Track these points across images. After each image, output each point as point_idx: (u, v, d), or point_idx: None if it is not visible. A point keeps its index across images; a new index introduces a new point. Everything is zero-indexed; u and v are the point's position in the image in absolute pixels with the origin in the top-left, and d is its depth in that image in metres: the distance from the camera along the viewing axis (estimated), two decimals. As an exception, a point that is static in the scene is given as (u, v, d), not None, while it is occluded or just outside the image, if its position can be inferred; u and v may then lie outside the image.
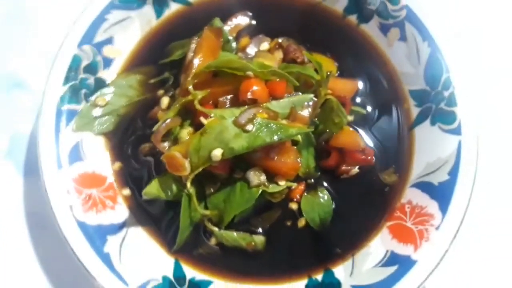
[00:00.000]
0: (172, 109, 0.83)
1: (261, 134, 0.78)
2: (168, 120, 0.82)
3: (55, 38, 0.94)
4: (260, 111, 0.80)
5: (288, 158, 0.83)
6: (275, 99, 0.84)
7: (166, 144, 0.84)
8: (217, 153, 0.78)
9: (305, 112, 0.86)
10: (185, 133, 0.82)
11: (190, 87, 0.82)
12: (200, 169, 0.79)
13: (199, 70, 0.82)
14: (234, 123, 0.78)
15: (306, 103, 0.86)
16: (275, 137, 0.78)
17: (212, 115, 0.81)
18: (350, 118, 0.93)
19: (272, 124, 0.79)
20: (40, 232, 0.95)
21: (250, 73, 0.81)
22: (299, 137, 0.86)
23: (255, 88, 0.81)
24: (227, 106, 0.83)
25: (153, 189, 0.82)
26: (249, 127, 0.78)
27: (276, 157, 0.82)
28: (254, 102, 0.82)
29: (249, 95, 0.80)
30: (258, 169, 0.83)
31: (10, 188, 0.98)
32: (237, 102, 0.83)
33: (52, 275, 0.93)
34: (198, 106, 0.81)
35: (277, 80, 0.84)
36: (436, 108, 0.91)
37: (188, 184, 0.80)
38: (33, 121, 1.02)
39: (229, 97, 0.84)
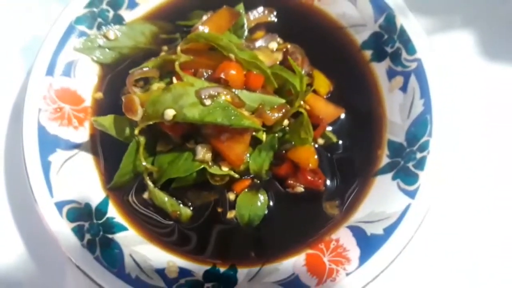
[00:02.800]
0: (154, 60, 0.87)
1: (215, 112, 0.81)
2: (146, 68, 0.86)
3: None
4: (226, 93, 0.82)
5: (237, 148, 0.85)
6: (248, 90, 0.86)
7: (138, 89, 0.89)
8: (170, 113, 0.81)
9: (274, 115, 0.87)
10: (156, 86, 0.87)
11: (178, 49, 0.86)
12: (151, 122, 0.83)
13: (191, 36, 0.86)
14: (195, 93, 0.81)
15: (279, 108, 0.88)
16: (226, 121, 0.81)
17: (185, 79, 0.84)
18: (321, 141, 0.93)
19: (230, 108, 0.81)
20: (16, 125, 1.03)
21: (232, 56, 0.84)
22: (263, 137, 0.88)
23: (231, 71, 0.84)
24: (203, 78, 0.87)
25: (105, 121, 0.88)
26: (207, 101, 0.81)
27: (226, 142, 0.84)
28: (226, 83, 0.84)
29: (222, 75, 0.83)
30: (208, 146, 0.86)
31: (10, 79, 1.07)
32: (213, 78, 0.86)
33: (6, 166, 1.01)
34: (177, 67, 0.85)
35: (256, 72, 0.86)
36: (404, 165, 0.89)
37: (136, 131, 0.85)
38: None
39: (209, 71, 0.87)
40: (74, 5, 0.97)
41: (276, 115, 0.87)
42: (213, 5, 1.00)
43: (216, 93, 0.82)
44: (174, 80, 0.85)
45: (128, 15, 1.02)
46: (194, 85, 0.83)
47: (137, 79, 0.88)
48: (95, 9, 0.98)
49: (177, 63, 0.85)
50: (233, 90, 0.84)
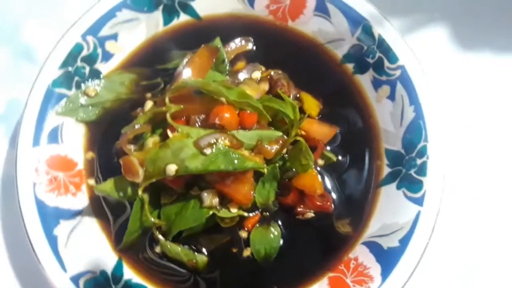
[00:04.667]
0: (143, 116, 0.86)
1: (217, 160, 0.80)
2: (137, 126, 0.85)
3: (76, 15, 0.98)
4: (224, 138, 0.82)
5: (243, 188, 0.85)
6: (244, 129, 0.86)
7: (132, 147, 0.87)
8: (172, 168, 0.80)
9: (273, 148, 0.87)
10: (151, 141, 0.85)
11: (167, 99, 0.85)
12: (153, 180, 0.82)
13: (178, 85, 0.85)
14: (194, 144, 0.81)
15: (276, 139, 0.88)
16: (230, 166, 0.80)
17: (180, 130, 0.83)
18: (321, 162, 0.94)
19: (231, 153, 0.81)
20: (7, 198, 1.00)
21: (223, 99, 0.84)
22: (265, 169, 0.88)
23: (225, 115, 0.83)
24: (198, 125, 0.86)
25: (106, 187, 0.86)
26: (208, 151, 0.80)
27: (231, 184, 0.84)
28: (222, 128, 0.84)
29: (217, 120, 0.83)
30: (213, 191, 0.86)
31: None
32: (207, 124, 0.85)
33: (7, 244, 0.98)
34: (169, 119, 0.84)
35: (249, 111, 0.86)
36: (406, 173, 0.91)
37: (140, 192, 0.83)
38: (31, 93, 1.08)
39: (202, 117, 0.86)
40: (48, 67, 0.94)
41: (275, 147, 0.87)
42: (188, 44, 1.00)
43: (214, 140, 0.81)
44: (169, 132, 0.84)
45: (104, 67, 1.00)
46: (190, 135, 0.82)
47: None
48: (70, 68, 0.96)
49: (168, 114, 0.84)
50: (230, 132, 0.84)
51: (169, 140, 0.81)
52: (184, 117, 0.87)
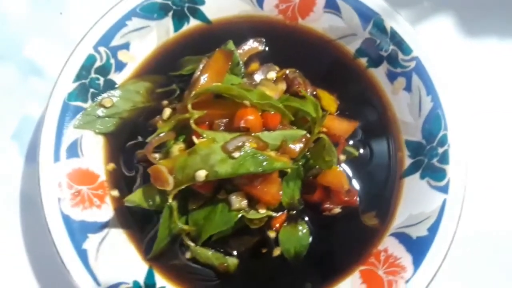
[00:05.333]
0: (167, 123, 0.86)
1: (246, 163, 0.80)
2: (162, 134, 0.85)
3: (80, 32, 0.97)
4: (250, 140, 0.82)
5: (271, 189, 0.85)
6: (267, 130, 0.86)
7: (157, 155, 0.87)
8: (201, 174, 0.80)
9: (297, 146, 0.88)
10: (177, 148, 0.85)
11: (189, 106, 0.85)
12: (183, 186, 0.82)
13: (199, 91, 0.85)
14: (222, 148, 0.81)
15: (299, 138, 0.88)
16: (259, 168, 0.80)
17: (205, 135, 0.83)
18: (343, 157, 0.95)
19: (258, 155, 0.81)
20: (28, 213, 1.00)
21: (247, 102, 0.84)
22: (288, 169, 0.88)
23: (249, 117, 0.83)
24: (222, 129, 0.86)
25: (135, 197, 0.85)
26: (236, 154, 0.80)
27: (259, 186, 0.84)
28: (247, 130, 0.84)
29: (242, 123, 0.83)
30: (241, 193, 0.86)
31: (9, 168, 1.03)
32: (231, 127, 0.85)
33: (33, 259, 0.97)
34: (193, 125, 0.84)
35: (273, 112, 0.86)
36: (428, 162, 0.92)
37: (170, 199, 0.83)
38: (43, 109, 1.06)
39: (224, 120, 0.86)
40: (62, 81, 0.93)
41: (299, 146, 0.88)
42: (200, 49, 1.00)
43: (241, 143, 0.81)
44: (194, 138, 0.83)
45: (118, 77, 0.99)
46: (216, 141, 0.82)
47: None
48: (84, 81, 0.95)
49: (192, 121, 0.84)
50: (255, 134, 0.84)
51: (197, 146, 0.81)
52: (207, 122, 0.87)
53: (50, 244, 0.86)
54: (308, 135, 0.88)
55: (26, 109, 1.07)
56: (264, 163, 0.81)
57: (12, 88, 1.08)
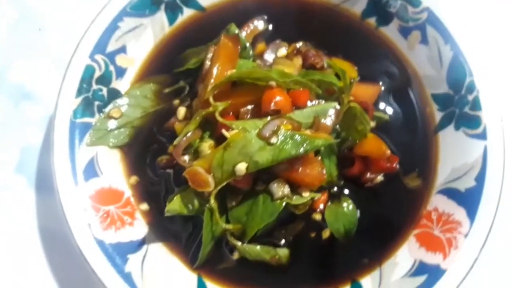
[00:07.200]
0: (193, 121, 0.80)
1: (286, 146, 0.75)
2: (189, 134, 0.79)
3: (65, 46, 0.91)
4: (285, 122, 0.77)
5: (313, 169, 0.80)
6: (297, 109, 0.81)
7: (186, 157, 0.81)
8: (242, 167, 0.75)
9: (328, 121, 0.83)
10: (206, 146, 0.80)
11: (211, 99, 0.79)
12: (224, 184, 0.77)
13: (219, 81, 0.79)
14: (258, 136, 0.76)
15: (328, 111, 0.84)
16: (301, 149, 0.76)
17: (234, 127, 0.78)
18: (372, 124, 0.91)
19: (297, 136, 0.76)
20: (54, 249, 0.93)
21: (272, 83, 0.79)
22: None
23: (278, 98, 0.78)
24: (248, 117, 0.81)
25: (175, 205, 0.79)
26: (274, 139, 0.75)
27: (300, 168, 0.80)
28: (276, 113, 0.79)
29: (272, 106, 0.78)
30: (281, 180, 0.81)
31: (21, 203, 0.95)
32: (258, 113, 0.80)
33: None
34: (219, 119, 0.78)
35: (300, 89, 0.81)
36: (460, 112, 0.89)
37: (212, 200, 0.78)
38: (44, 133, 0.99)
39: (250, 107, 0.81)
40: (64, 99, 0.86)
41: (330, 119, 0.83)
42: (199, 39, 0.94)
43: (276, 127, 0.76)
44: (224, 132, 0.78)
45: (121, 84, 0.92)
46: (248, 129, 0.77)
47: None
48: (87, 94, 0.87)
49: (217, 114, 0.78)
50: (286, 115, 0.79)
51: (230, 140, 0.76)
52: (231, 113, 0.82)
53: (89, 275, 0.79)
54: (338, 107, 0.84)
55: (25, 138, 0.99)
56: (305, 144, 0.76)
57: (5, 119, 1.00)
